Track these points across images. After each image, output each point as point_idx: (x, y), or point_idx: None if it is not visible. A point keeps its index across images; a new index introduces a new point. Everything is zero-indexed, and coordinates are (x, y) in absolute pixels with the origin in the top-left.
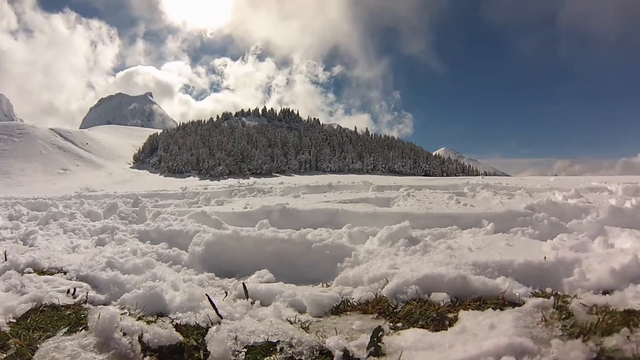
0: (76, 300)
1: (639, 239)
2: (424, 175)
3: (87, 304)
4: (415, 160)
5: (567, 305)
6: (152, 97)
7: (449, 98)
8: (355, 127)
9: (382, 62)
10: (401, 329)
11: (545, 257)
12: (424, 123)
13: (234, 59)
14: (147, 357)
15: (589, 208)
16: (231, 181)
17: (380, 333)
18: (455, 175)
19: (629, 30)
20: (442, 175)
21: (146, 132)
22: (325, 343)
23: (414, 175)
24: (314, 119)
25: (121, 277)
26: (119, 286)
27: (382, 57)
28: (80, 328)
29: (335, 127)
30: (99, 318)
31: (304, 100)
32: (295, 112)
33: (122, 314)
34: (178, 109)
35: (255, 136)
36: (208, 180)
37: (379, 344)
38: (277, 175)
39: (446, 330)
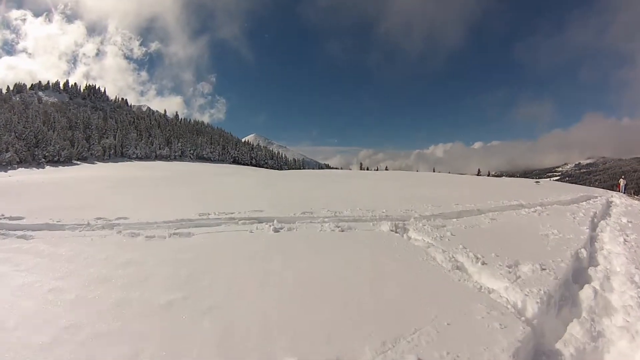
0: None
1: None
2: (233, 162)
3: None
4: (224, 146)
5: None
6: None
7: (261, 86)
8: (165, 111)
9: (199, 42)
10: None
11: None
12: (236, 109)
13: (37, 14)
14: None
15: None
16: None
17: None
18: (265, 163)
19: (426, 54)
20: (251, 163)
21: None
22: None
23: (223, 162)
24: (122, 99)
25: None
26: None
27: (200, 37)
28: None
29: (144, 109)
30: None
31: (114, 77)
32: (102, 90)
33: None
34: None
35: (54, 115)
36: None
37: None
38: (78, 162)
39: None
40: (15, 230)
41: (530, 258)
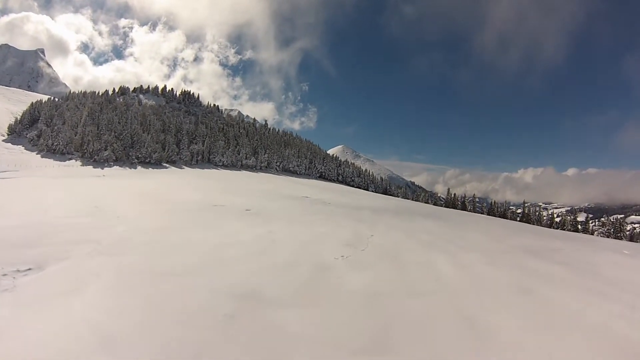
0: None
1: None
2: (319, 177)
3: None
4: (312, 160)
5: None
6: (43, 54)
7: (346, 98)
8: (255, 119)
9: (286, 52)
10: None
11: None
12: (325, 118)
13: (142, 23)
14: None
15: None
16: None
17: None
18: (352, 181)
19: (522, 71)
20: (337, 179)
21: (30, 97)
22: None
23: (309, 176)
24: (214, 105)
25: None
26: None
27: (286, 47)
28: None
29: (235, 114)
30: None
31: (210, 81)
32: (196, 95)
33: None
34: (72, 72)
35: (150, 118)
36: (91, 167)
37: None
38: (167, 166)
39: None
40: None
41: None
